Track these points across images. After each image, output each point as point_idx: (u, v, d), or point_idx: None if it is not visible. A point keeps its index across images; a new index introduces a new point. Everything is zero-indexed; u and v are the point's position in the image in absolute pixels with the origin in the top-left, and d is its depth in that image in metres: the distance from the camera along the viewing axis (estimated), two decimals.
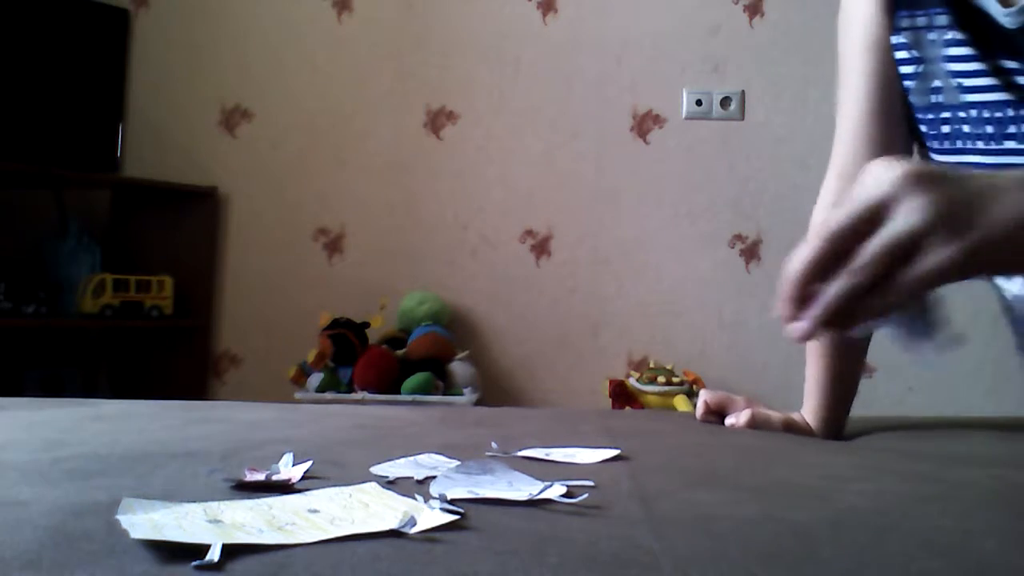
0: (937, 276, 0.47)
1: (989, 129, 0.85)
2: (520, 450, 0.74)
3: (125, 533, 0.45)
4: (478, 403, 2.46)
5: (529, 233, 2.82)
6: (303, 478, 0.61)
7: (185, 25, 2.91)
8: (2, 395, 1.03)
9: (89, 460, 0.66)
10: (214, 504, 0.51)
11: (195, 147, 2.88)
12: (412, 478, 0.62)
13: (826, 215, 0.51)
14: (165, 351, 2.81)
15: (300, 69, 2.89)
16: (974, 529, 0.54)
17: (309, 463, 0.64)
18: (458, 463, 0.65)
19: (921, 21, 0.88)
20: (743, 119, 2.80)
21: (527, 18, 2.85)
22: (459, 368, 2.52)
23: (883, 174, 0.49)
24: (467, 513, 0.51)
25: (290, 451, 0.67)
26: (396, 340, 2.60)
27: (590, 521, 0.52)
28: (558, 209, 2.80)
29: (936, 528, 0.53)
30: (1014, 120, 0.83)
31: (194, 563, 0.41)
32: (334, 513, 0.51)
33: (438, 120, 2.86)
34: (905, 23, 0.89)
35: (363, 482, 0.59)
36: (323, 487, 0.57)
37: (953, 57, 0.86)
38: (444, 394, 2.42)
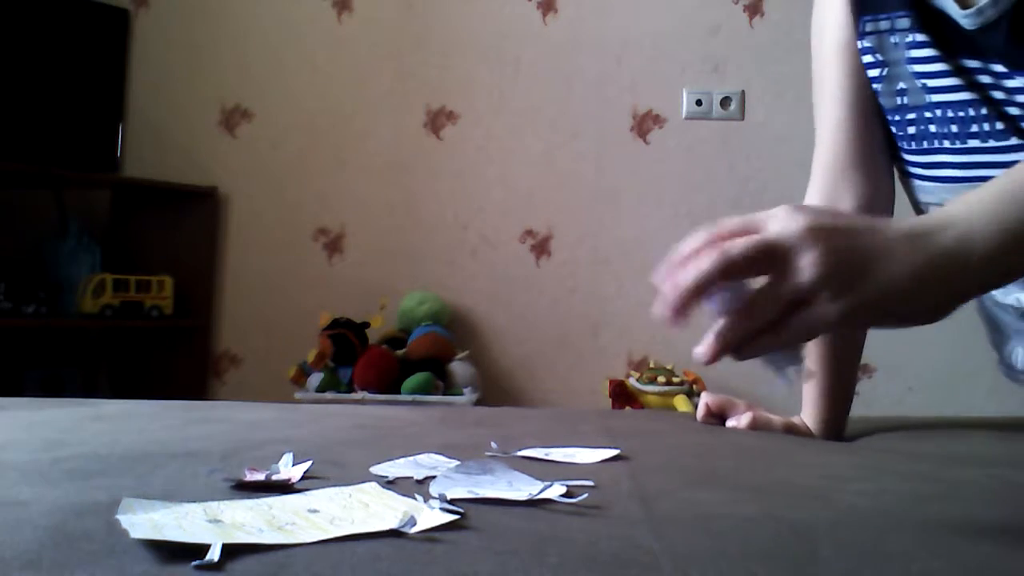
0: (822, 327, 0.52)
1: (954, 128, 0.86)
2: (520, 450, 0.74)
3: (125, 533, 0.45)
4: (478, 403, 2.46)
5: (529, 233, 2.82)
6: (303, 478, 0.61)
7: (185, 25, 2.91)
8: (2, 395, 1.03)
9: (89, 460, 0.66)
10: (214, 504, 0.51)
11: (195, 147, 2.88)
12: (412, 478, 0.61)
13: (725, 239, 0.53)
14: (165, 351, 2.81)
15: (300, 69, 2.89)
16: (974, 529, 0.54)
17: (309, 463, 0.64)
18: (458, 463, 0.65)
19: (884, 24, 0.89)
20: (743, 119, 2.80)
21: (527, 18, 2.85)
22: (459, 368, 2.52)
23: (788, 223, 0.52)
24: (467, 513, 0.51)
25: (290, 451, 0.67)
26: (396, 340, 2.60)
27: (590, 521, 0.52)
28: (558, 209, 2.80)
29: (936, 528, 0.53)
30: (976, 119, 0.84)
31: (194, 563, 0.41)
32: (334, 513, 0.51)
33: (438, 120, 2.86)
34: (869, 27, 0.91)
35: (363, 482, 0.59)
36: (323, 487, 0.57)
37: (916, 59, 0.87)
38: (444, 394, 2.42)
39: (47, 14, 2.62)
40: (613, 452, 0.74)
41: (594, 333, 2.79)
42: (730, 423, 0.99)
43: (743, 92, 2.79)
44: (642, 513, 0.54)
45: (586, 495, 0.57)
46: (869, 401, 2.53)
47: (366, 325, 2.54)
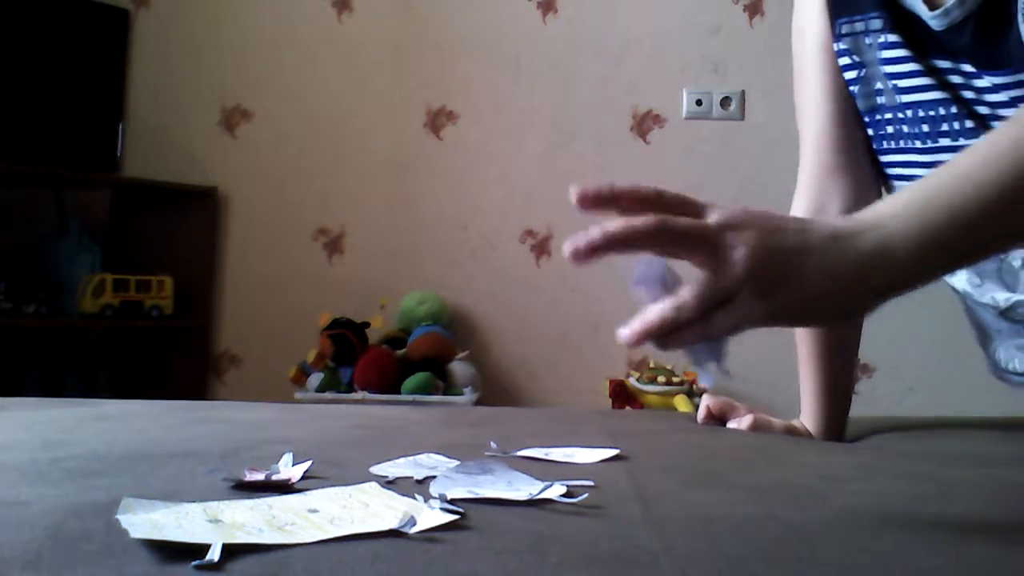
0: (744, 326, 0.53)
1: (925, 128, 0.87)
2: (520, 450, 0.74)
3: (125, 533, 0.45)
4: (478, 403, 2.46)
5: (529, 233, 2.82)
6: (303, 478, 0.61)
7: (185, 25, 2.91)
8: (2, 395, 1.03)
9: (89, 460, 0.66)
10: (214, 504, 0.51)
11: (195, 147, 2.88)
12: (412, 478, 0.62)
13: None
14: (165, 351, 2.81)
15: (300, 69, 2.89)
16: (973, 529, 0.54)
17: (309, 463, 0.64)
18: (458, 463, 0.65)
19: (859, 26, 0.90)
20: (743, 119, 2.80)
21: (527, 18, 2.85)
22: (459, 368, 2.52)
23: (725, 216, 0.53)
24: (467, 513, 0.51)
25: (290, 451, 0.67)
26: (396, 340, 2.59)
27: (590, 521, 0.52)
28: (558, 209, 2.80)
29: (935, 528, 0.54)
30: (946, 118, 0.85)
31: (194, 563, 0.41)
32: (334, 513, 0.51)
33: (438, 120, 2.86)
34: (845, 29, 0.92)
35: (363, 482, 0.59)
36: (323, 487, 0.57)
37: (889, 59, 0.88)
38: (444, 394, 2.42)
39: (47, 14, 2.62)
40: (613, 452, 0.74)
41: (594, 333, 2.79)
42: (730, 426, 0.99)
43: (743, 92, 2.79)
44: (642, 513, 0.54)
45: (586, 495, 0.57)
46: (869, 401, 2.53)
47: (366, 325, 2.54)
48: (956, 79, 0.83)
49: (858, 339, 1.02)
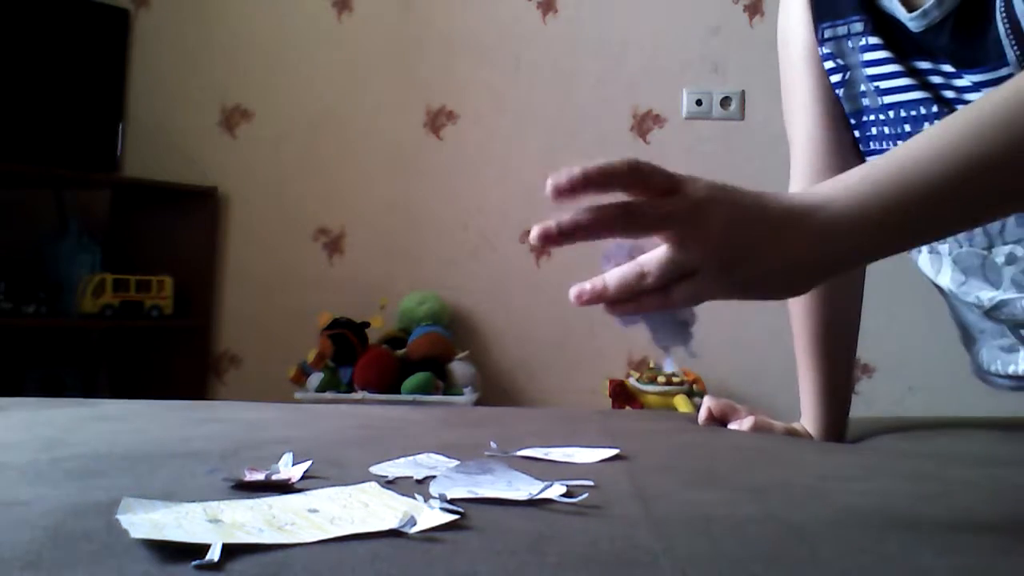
0: (703, 299, 0.55)
1: (907, 128, 0.87)
2: (519, 450, 0.74)
3: (125, 533, 0.45)
4: (478, 403, 2.46)
5: (529, 233, 2.81)
6: (303, 478, 0.61)
7: (185, 25, 2.91)
8: (2, 395, 1.03)
9: (89, 460, 0.66)
10: (214, 504, 0.51)
11: (195, 147, 2.88)
12: (412, 478, 0.62)
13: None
14: (165, 351, 2.81)
15: (300, 69, 2.89)
16: (974, 529, 0.54)
17: (309, 463, 0.64)
18: (458, 463, 0.65)
19: (841, 30, 0.91)
20: (743, 119, 2.80)
21: (527, 18, 2.85)
22: (459, 368, 2.52)
23: (693, 192, 0.55)
24: (467, 513, 0.51)
25: (290, 451, 0.67)
26: (396, 340, 2.59)
27: (590, 521, 0.52)
28: (558, 209, 2.80)
29: (936, 528, 0.53)
30: (927, 117, 0.85)
31: (194, 563, 0.41)
32: (334, 513, 0.51)
33: (438, 120, 2.86)
34: (828, 34, 0.93)
35: (363, 482, 0.59)
36: (323, 487, 0.57)
37: (870, 61, 0.89)
38: (444, 394, 2.42)
39: (47, 14, 2.62)
40: (613, 452, 0.74)
41: (594, 333, 2.79)
42: (731, 427, 0.99)
43: (743, 92, 2.79)
44: (642, 513, 0.54)
45: (586, 495, 0.57)
46: (869, 401, 2.53)
47: (366, 325, 2.54)
48: (936, 79, 0.84)
49: (856, 341, 1.02)
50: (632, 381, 2.53)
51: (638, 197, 0.55)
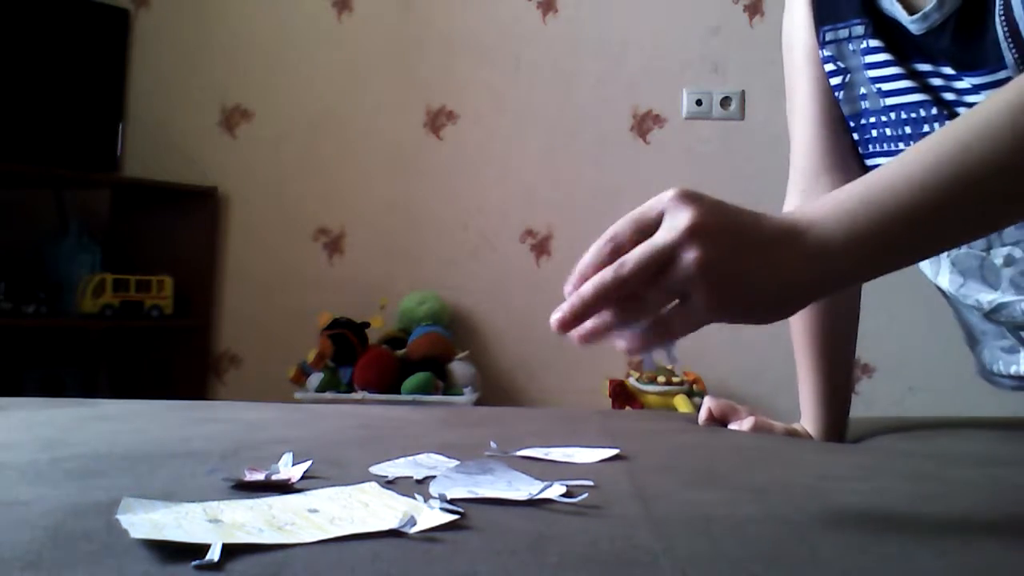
0: (697, 324, 0.55)
1: (908, 130, 0.87)
2: (519, 450, 0.74)
3: (125, 533, 0.45)
4: (478, 403, 2.46)
5: (529, 233, 2.82)
6: (303, 478, 0.61)
7: (185, 25, 2.91)
8: (2, 395, 1.03)
9: (89, 460, 0.66)
10: (214, 504, 0.51)
11: (195, 147, 2.88)
12: (412, 478, 0.61)
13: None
14: (165, 351, 2.81)
15: (300, 69, 2.89)
16: (974, 529, 0.54)
17: (309, 463, 0.64)
18: (458, 463, 0.65)
19: (842, 33, 0.91)
20: (743, 119, 2.80)
21: (527, 18, 2.85)
22: (459, 368, 2.52)
23: (675, 219, 0.54)
24: (467, 513, 0.51)
25: (290, 451, 0.67)
26: (396, 340, 2.59)
27: (590, 521, 0.52)
28: (558, 209, 2.80)
29: (936, 528, 0.53)
30: (928, 120, 0.86)
31: (194, 563, 0.41)
32: (334, 513, 0.51)
33: (438, 120, 2.86)
34: (829, 37, 0.93)
35: (363, 482, 0.59)
36: (323, 487, 0.57)
37: (871, 64, 0.89)
38: (444, 394, 2.42)
39: (47, 14, 2.62)
40: (613, 452, 0.74)
41: None
42: (731, 428, 0.99)
43: (743, 92, 2.79)
44: (642, 513, 0.54)
45: (586, 495, 0.57)
46: (869, 401, 2.53)
47: (366, 325, 2.54)
48: (937, 81, 0.84)
49: (855, 341, 1.02)
50: (632, 381, 2.53)
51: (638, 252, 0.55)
